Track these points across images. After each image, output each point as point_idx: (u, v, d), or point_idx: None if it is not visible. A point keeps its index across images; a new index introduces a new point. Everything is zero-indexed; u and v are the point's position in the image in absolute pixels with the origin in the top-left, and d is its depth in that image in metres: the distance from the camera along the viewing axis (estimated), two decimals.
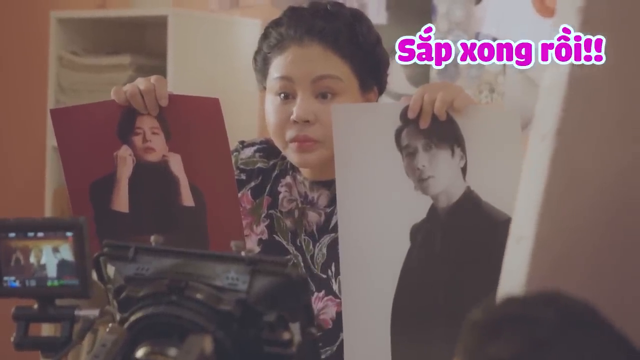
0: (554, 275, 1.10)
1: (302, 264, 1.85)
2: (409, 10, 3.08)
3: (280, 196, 1.91)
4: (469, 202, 1.69)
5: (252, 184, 1.92)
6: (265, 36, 1.87)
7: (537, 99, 3.05)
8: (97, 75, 3.34)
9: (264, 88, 1.88)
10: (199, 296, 1.20)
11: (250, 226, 1.90)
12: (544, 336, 0.93)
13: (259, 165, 1.93)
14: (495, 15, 2.95)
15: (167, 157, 1.77)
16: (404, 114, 1.70)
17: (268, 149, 1.94)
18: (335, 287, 1.83)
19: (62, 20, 3.42)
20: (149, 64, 3.35)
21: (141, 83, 1.75)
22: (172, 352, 1.19)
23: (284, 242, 1.88)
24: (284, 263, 1.23)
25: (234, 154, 1.93)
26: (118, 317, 1.25)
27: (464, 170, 1.70)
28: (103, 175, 1.79)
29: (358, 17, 1.87)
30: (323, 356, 1.82)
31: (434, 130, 1.69)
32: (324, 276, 1.85)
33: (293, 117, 1.80)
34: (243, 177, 1.92)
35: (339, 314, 1.80)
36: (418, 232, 1.71)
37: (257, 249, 1.87)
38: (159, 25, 3.24)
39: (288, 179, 1.91)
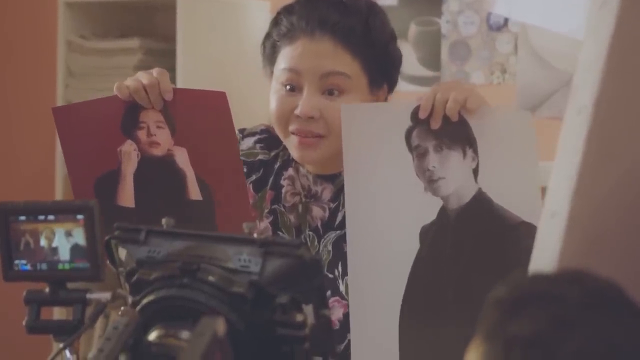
0: (586, 251, 1.09)
1: None
2: None
3: (284, 190, 1.86)
4: (480, 204, 1.67)
5: (254, 177, 1.88)
6: (275, 22, 1.82)
7: (549, 80, 3.04)
8: (106, 59, 3.34)
9: (270, 74, 1.84)
10: (211, 278, 1.20)
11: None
12: (568, 315, 0.92)
13: (260, 157, 1.88)
14: None
15: (173, 151, 1.75)
16: (414, 114, 1.67)
17: (269, 139, 1.89)
18: (342, 288, 1.80)
19: (70, 4, 3.41)
20: (158, 47, 3.34)
21: (144, 77, 1.73)
22: (185, 334, 1.18)
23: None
24: (297, 245, 1.22)
25: None
26: (130, 300, 1.25)
27: (475, 171, 1.67)
28: (108, 171, 1.78)
29: (373, 11, 1.81)
30: None
31: (445, 130, 1.66)
32: (331, 276, 1.81)
33: (297, 112, 1.76)
34: (244, 169, 1.86)
35: (345, 315, 1.77)
36: (427, 234, 1.69)
37: None
38: (168, 8, 3.23)
39: (291, 171, 1.87)
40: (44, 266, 1.33)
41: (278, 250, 1.22)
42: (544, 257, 1.09)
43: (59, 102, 3.41)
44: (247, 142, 1.90)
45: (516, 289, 0.96)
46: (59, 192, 3.44)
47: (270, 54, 1.83)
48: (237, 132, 1.89)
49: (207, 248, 1.25)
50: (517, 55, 2.92)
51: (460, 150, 1.67)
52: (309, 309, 1.22)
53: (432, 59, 3.05)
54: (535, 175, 1.65)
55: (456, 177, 1.67)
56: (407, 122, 1.68)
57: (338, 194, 1.82)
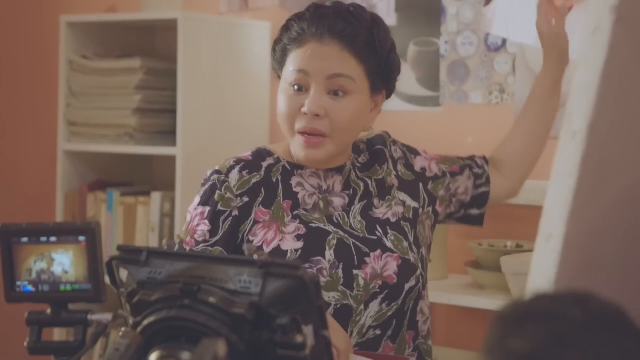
0: (582, 274, 1.10)
1: (345, 235, 1.91)
2: (419, 12, 3.07)
3: (300, 196, 1.94)
4: None
5: (259, 199, 1.92)
6: (286, 28, 1.93)
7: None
8: (107, 78, 3.35)
9: (279, 77, 1.95)
10: (212, 300, 1.21)
11: (279, 229, 1.91)
12: (566, 333, 0.93)
13: (253, 180, 1.93)
14: (505, 16, 2.95)
15: None
16: None
17: (248, 164, 1.95)
18: (389, 244, 1.92)
19: (72, 24, 3.42)
20: (160, 67, 3.35)
21: None
22: (185, 356, 1.19)
23: (322, 225, 1.92)
24: (297, 266, 1.23)
25: (224, 185, 1.91)
26: (131, 321, 1.25)
27: None
28: None
29: (377, 23, 1.93)
30: (390, 312, 1.91)
31: None
32: (374, 237, 1.92)
33: (304, 109, 1.86)
34: (246, 199, 1.91)
35: (399, 267, 1.91)
36: None
37: (299, 245, 1.89)
38: (169, 28, 3.25)
39: (295, 179, 1.96)
40: (46, 287, 1.33)
41: (278, 272, 1.23)
42: (540, 279, 1.10)
43: (61, 122, 3.42)
44: (233, 175, 1.93)
45: (519, 307, 0.98)
46: (60, 211, 3.44)
47: (280, 57, 1.95)
48: (214, 175, 1.93)
49: (207, 269, 1.26)
50: (515, 76, 2.93)
51: None
52: (309, 330, 1.22)
53: (430, 79, 3.06)
54: None
55: None
56: None
57: (348, 182, 1.97)
